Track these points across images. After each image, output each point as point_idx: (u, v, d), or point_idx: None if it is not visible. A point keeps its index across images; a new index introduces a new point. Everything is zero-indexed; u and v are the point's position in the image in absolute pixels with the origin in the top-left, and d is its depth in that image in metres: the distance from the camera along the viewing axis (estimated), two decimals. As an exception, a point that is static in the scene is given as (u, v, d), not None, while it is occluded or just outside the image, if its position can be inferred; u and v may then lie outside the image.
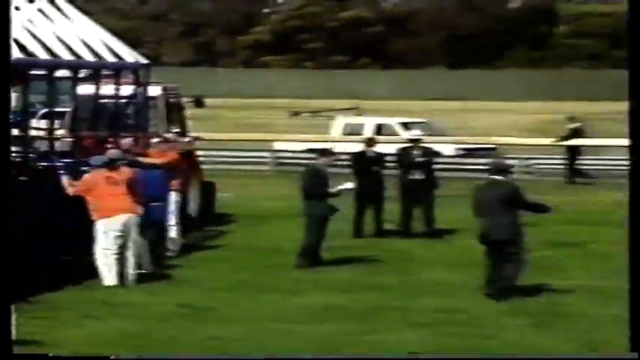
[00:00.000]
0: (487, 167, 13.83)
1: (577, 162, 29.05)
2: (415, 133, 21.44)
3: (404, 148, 19.16)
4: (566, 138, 29.43)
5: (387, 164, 19.03)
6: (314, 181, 15.48)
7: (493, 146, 33.71)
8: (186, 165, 18.72)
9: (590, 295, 13.02)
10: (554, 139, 29.94)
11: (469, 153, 32.90)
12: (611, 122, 43.43)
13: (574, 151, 29.15)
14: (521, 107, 54.36)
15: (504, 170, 13.42)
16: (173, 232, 15.82)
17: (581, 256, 14.87)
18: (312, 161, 16.26)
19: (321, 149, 16.38)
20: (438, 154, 20.40)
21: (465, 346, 10.41)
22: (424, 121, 34.74)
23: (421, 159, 18.69)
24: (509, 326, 11.35)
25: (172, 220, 15.80)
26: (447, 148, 30.24)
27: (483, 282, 13.05)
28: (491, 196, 13.01)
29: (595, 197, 23.69)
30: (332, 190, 15.50)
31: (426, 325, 11.33)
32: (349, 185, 16.32)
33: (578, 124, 29.97)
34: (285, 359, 8.58)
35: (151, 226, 14.42)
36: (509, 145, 33.59)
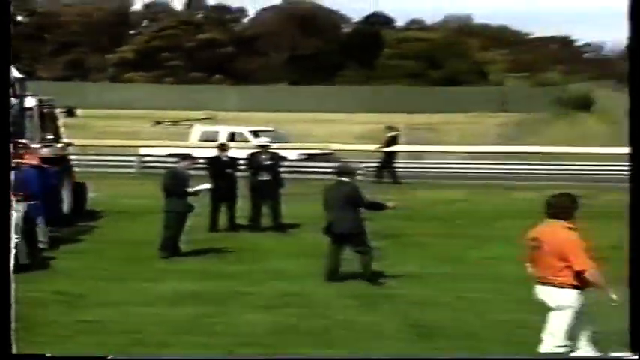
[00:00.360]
0: (334, 170, 13.88)
1: (393, 165, 29.38)
2: (263, 140, 21.57)
3: (253, 153, 19.23)
4: (386, 144, 29.91)
5: (239, 167, 19.04)
6: (174, 182, 15.38)
7: (330, 152, 34.01)
8: (60, 167, 18.46)
9: (409, 279, 13.16)
10: (378, 146, 30.39)
11: (310, 157, 33.13)
12: (425, 131, 44.41)
13: (390, 156, 29.55)
14: (354, 118, 54.99)
15: (350, 173, 13.53)
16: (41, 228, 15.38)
17: (402, 245, 15.02)
18: (173, 164, 16.12)
19: (182, 154, 16.30)
20: (283, 158, 20.48)
21: (303, 324, 10.40)
22: (271, 129, 34.83)
23: (268, 162, 18.82)
24: (341, 307, 11.40)
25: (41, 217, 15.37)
26: (291, 153, 30.35)
27: (325, 269, 13.11)
28: (338, 195, 13.11)
29: (414, 195, 24.01)
30: (190, 190, 15.42)
31: (271, 308, 11.30)
32: (206, 186, 16.27)
33: (394, 133, 30.53)
34: (285, 359, 8.32)
35: (27, 222, 14.11)
36: (343, 150, 33.92)
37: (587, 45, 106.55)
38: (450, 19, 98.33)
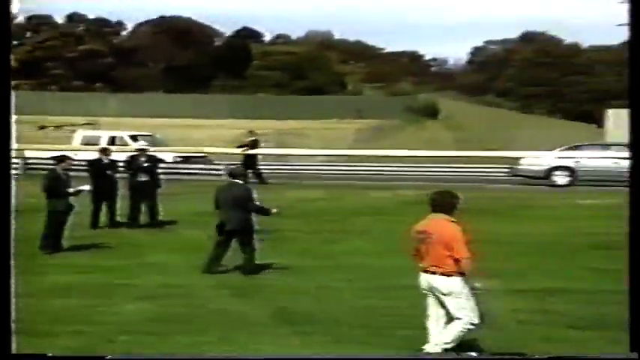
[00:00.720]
0: (228, 172, 13.83)
1: (257, 167, 29.25)
2: (142, 143, 21.32)
3: (132, 156, 19.03)
4: (250, 147, 29.82)
5: (119, 169, 18.79)
6: (54, 183, 15.04)
7: (204, 155, 33.82)
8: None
9: (277, 271, 13.19)
10: (243, 148, 30.24)
11: (185, 160, 32.89)
12: (291, 136, 44.59)
13: (253, 158, 29.43)
14: (225, 124, 54.75)
15: (241, 175, 13.54)
16: None
17: (271, 240, 15.02)
18: (53, 166, 15.70)
19: (58, 156, 15.88)
20: (160, 160, 20.24)
21: (181, 313, 10.32)
22: (149, 134, 34.41)
23: (146, 165, 18.65)
24: (216, 297, 11.35)
25: None
26: (167, 156, 30.04)
27: (207, 262, 13.02)
28: (230, 195, 13.04)
29: (281, 195, 24.07)
30: (70, 190, 15.10)
31: (150, 298, 11.17)
32: (85, 187, 15.98)
33: (254, 137, 30.49)
34: (285, 359, 8.10)
35: None
36: (215, 153, 33.76)
37: (434, 59, 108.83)
38: (312, 34, 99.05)
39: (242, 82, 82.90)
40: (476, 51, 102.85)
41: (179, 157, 33.04)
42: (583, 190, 27.51)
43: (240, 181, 13.34)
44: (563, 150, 31.49)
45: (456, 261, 7.90)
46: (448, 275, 7.95)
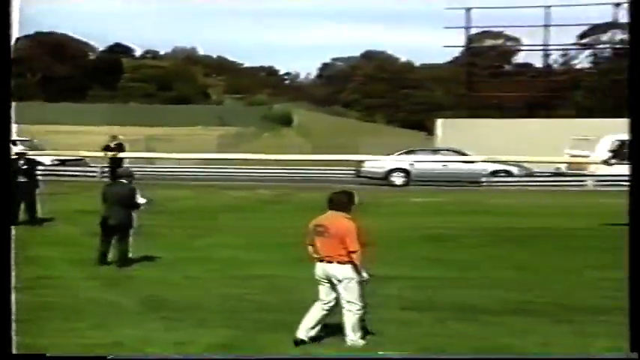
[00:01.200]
0: (116, 173, 13.61)
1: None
2: (20, 148, 20.55)
3: (12, 159, 18.32)
4: (113, 151, 29.08)
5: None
6: None
7: (80, 158, 32.93)
8: None
9: (146, 263, 12.96)
10: (113, 153, 29.50)
11: (62, 163, 32.00)
12: (161, 142, 43.93)
13: (119, 161, 28.74)
14: (99, 130, 53.49)
15: (128, 176, 13.28)
16: None
17: (142, 235, 14.74)
18: None
19: None
20: (39, 163, 19.62)
21: (56, 302, 10.03)
22: (28, 139, 33.24)
23: (25, 167, 18.04)
24: (89, 287, 11.08)
25: None
26: (45, 159, 29.10)
27: (97, 255, 12.68)
28: (115, 193, 12.86)
29: (149, 194, 23.70)
30: None
31: (27, 289, 10.76)
32: None
33: (118, 141, 29.77)
34: (285, 359, 7.72)
35: None
36: (90, 157, 32.92)
37: (287, 74, 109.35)
38: (178, 50, 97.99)
39: (115, 93, 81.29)
40: (324, 67, 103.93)
41: (56, 160, 32.09)
42: (416, 190, 28.20)
43: (126, 181, 13.11)
44: (399, 154, 32.22)
45: (349, 252, 8.06)
46: (343, 263, 8.09)
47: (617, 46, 50.46)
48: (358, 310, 8.18)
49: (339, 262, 8.11)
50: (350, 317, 8.18)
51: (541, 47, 47.26)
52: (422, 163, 31.27)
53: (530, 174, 31.39)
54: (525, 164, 31.26)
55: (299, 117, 72.63)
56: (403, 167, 31.32)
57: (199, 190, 25.99)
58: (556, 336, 8.45)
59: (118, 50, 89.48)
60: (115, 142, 29.62)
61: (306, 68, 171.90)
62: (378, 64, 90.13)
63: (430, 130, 50.27)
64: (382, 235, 14.92)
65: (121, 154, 29.42)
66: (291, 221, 15.50)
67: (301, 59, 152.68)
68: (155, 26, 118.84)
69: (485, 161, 29.58)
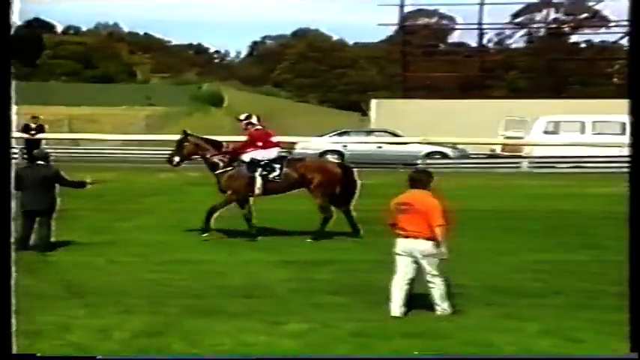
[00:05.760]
0: (31, 155, 13.47)
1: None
2: None
3: None
4: (33, 131, 28.51)
5: None
6: None
7: None
8: None
9: (66, 247, 12.81)
10: (32, 133, 28.94)
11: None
12: (85, 122, 43.35)
13: (37, 143, 28.20)
14: (19, 110, 52.33)
15: (45, 157, 13.08)
16: None
17: (63, 218, 14.55)
18: None
19: None
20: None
21: None
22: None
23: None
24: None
25: None
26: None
27: (17, 241, 12.36)
28: (36, 176, 12.53)
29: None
30: None
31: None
32: None
33: (39, 122, 29.14)
34: (285, 359, 7.55)
35: None
36: (13, 138, 32.18)
37: (217, 52, 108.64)
38: (101, 26, 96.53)
39: (34, 70, 79.67)
40: (254, 45, 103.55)
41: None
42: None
43: (44, 163, 12.86)
44: (332, 135, 32.32)
45: (434, 227, 8.58)
46: (427, 239, 8.62)
47: (552, 25, 51.30)
48: (442, 281, 8.74)
49: (424, 238, 8.62)
50: (437, 289, 8.73)
51: (475, 26, 47.81)
52: (355, 144, 31.45)
53: (466, 156, 31.82)
54: (460, 146, 31.67)
55: (229, 97, 72.30)
56: (336, 149, 31.45)
57: (125, 172, 25.69)
58: (488, 319, 8.60)
59: (37, 25, 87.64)
60: (35, 123, 29.07)
61: (236, 46, 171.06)
62: (309, 43, 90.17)
63: (364, 111, 50.58)
64: (313, 218, 14.99)
65: (42, 135, 28.91)
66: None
67: (231, 37, 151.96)
68: (76, 0, 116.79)
69: (420, 143, 29.88)
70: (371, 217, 16.60)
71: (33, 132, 28.70)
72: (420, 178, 8.92)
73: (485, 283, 10.28)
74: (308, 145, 31.25)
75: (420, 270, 8.78)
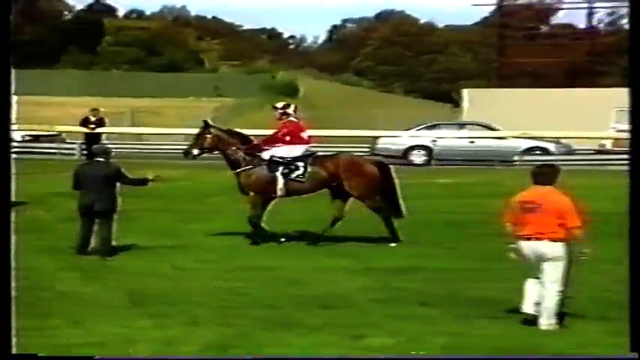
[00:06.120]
0: (91, 151, 13.65)
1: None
2: None
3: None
4: (93, 125, 29.14)
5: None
6: None
7: (56, 133, 33.04)
8: None
9: (130, 252, 13.05)
10: (91, 127, 29.59)
11: (35, 139, 32.10)
12: (148, 115, 44.02)
13: (97, 138, 28.80)
14: (77, 101, 53.61)
15: (106, 153, 13.26)
16: None
17: (124, 220, 14.81)
18: None
19: None
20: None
21: (26, 296, 10.05)
22: (-6, 111, 33.37)
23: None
24: (65, 279, 11.14)
25: None
26: (16, 135, 29.23)
27: (78, 245, 12.70)
28: (96, 174, 12.76)
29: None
30: None
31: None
32: None
33: (99, 115, 29.84)
34: (285, 359, 7.85)
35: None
36: (68, 132, 33.01)
37: (292, 37, 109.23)
38: (167, 10, 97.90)
39: (94, 58, 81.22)
40: (334, 30, 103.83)
41: (28, 135, 32.20)
42: (439, 170, 28.21)
43: (104, 159, 13.09)
44: (420, 129, 32.20)
45: (567, 228, 8.52)
46: (554, 241, 8.55)
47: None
48: (559, 292, 8.64)
49: (550, 240, 8.55)
50: (549, 299, 8.63)
51: (584, 5, 47.00)
52: (445, 139, 31.29)
53: (571, 152, 31.35)
54: (564, 141, 31.23)
55: (305, 86, 72.64)
56: (424, 144, 31.34)
57: (191, 169, 26.04)
58: (597, 335, 8.48)
59: (98, 9, 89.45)
60: (95, 116, 29.71)
61: (314, 31, 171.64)
62: (394, 26, 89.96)
63: (455, 102, 50.24)
64: (402, 220, 15.00)
65: (102, 129, 29.53)
66: (297, 206, 15.56)
67: (308, 21, 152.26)
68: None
69: (518, 137, 29.59)
70: (463, 220, 16.56)
71: (92, 126, 29.35)
72: (545, 173, 8.85)
73: (593, 294, 10.13)
74: (392, 140, 31.23)
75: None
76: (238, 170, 14.30)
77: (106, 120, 30.22)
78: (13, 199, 18.67)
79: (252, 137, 15.04)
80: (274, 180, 14.09)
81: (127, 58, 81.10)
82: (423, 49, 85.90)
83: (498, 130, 30.74)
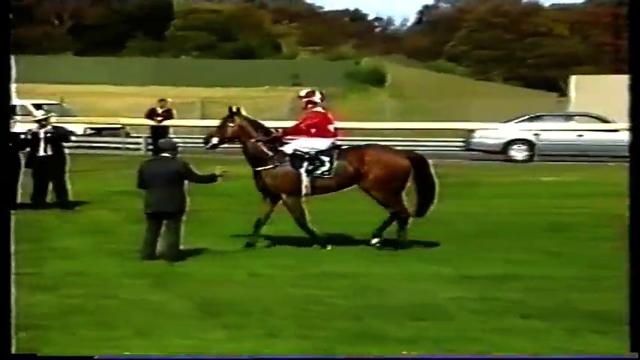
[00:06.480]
0: (157, 146, 13.73)
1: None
2: (45, 113, 20.60)
3: (37, 127, 18.69)
4: (160, 117, 29.60)
5: (21, 143, 18.36)
6: None
7: (120, 126, 33.57)
8: None
9: (200, 256, 13.17)
10: (159, 120, 30.02)
11: (97, 132, 32.64)
12: (221, 105, 44.35)
13: (164, 131, 29.24)
14: (143, 91, 54.36)
15: (173, 148, 13.35)
16: None
17: (191, 221, 14.97)
18: None
19: None
20: (68, 132, 20.02)
21: (88, 305, 10.24)
22: (56, 102, 34.06)
23: (52, 137, 18.36)
24: (129, 286, 11.29)
25: None
26: (77, 128, 29.80)
27: (143, 249, 12.86)
28: (162, 171, 12.89)
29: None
30: None
31: (54, 288, 11.05)
32: None
33: (168, 107, 30.25)
34: (285, 359, 8.09)
35: None
36: (132, 125, 33.50)
37: (378, 19, 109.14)
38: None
39: (162, 44, 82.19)
40: (425, 10, 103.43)
41: (90, 128, 32.77)
42: (543, 166, 27.92)
43: (172, 155, 13.20)
44: (521, 121, 31.90)
45: None
46: None
47: None
48: None
49: None
50: None
51: None
52: (550, 132, 30.95)
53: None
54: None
55: (393, 74, 72.50)
56: (526, 138, 31.06)
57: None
58: None
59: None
60: (162, 107, 30.13)
61: (402, 12, 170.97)
62: (493, 6, 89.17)
63: (562, 90, 49.62)
64: (501, 222, 14.91)
65: (170, 122, 29.92)
66: (375, 205, 15.53)
67: (395, 1, 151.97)
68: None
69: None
70: (568, 223, 16.37)
71: (159, 118, 29.78)
72: None
73: None
74: (489, 133, 31.01)
75: None
76: (261, 168, 14.14)
77: (174, 111, 30.63)
78: (70, 198, 19.05)
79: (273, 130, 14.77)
80: (299, 178, 13.95)
81: (197, 43, 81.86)
82: (525, 32, 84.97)
83: (611, 122, 30.28)
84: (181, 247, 13.02)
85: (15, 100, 33.59)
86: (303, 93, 14.61)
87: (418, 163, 14.13)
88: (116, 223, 16.39)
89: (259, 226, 14.07)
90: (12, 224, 7.23)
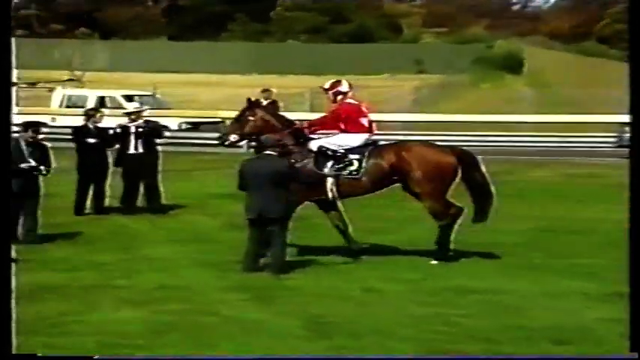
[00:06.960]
0: (259, 143, 13.73)
1: None
2: (137, 105, 20.76)
3: (126, 122, 18.88)
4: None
5: (110, 138, 18.63)
6: (14, 158, 14.53)
7: (220, 120, 33.90)
8: None
9: (310, 268, 13.22)
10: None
11: (194, 127, 33.00)
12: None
13: None
14: (246, 80, 54.82)
15: (275, 145, 13.32)
16: None
17: (304, 229, 15.05)
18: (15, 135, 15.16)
19: (25, 122, 15.54)
20: (163, 127, 20.24)
21: (184, 322, 10.37)
22: (149, 94, 34.59)
23: (144, 133, 18.50)
24: (231, 301, 11.39)
25: None
26: (171, 122, 30.20)
27: (246, 259, 12.95)
28: (266, 171, 12.94)
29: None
30: (23, 166, 14.56)
31: (146, 303, 11.23)
32: (31, 164, 14.80)
33: (272, 99, 30.33)
34: (285, 359, 8.35)
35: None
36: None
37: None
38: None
39: (265, 27, 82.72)
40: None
41: (186, 123, 33.17)
42: None
43: (276, 153, 13.24)
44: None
45: None
46: None
47: None
48: None
49: None
50: None
51: None
52: None
53: None
54: None
55: (531, 59, 71.78)
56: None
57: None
58: None
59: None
60: (267, 98, 30.31)
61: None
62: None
63: None
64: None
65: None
66: (515, 210, 15.42)
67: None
68: None
69: None
70: None
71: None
72: None
73: None
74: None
75: None
76: None
77: (280, 103, 30.75)
78: (163, 201, 19.29)
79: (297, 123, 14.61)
80: (322, 179, 13.85)
81: (307, 26, 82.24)
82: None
83: None
84: (288, 257, 13.10)
85: (103, 91, 34.32)
86: (327, 85, 14.61)
87: (466, 160, 14.06)
88: (215, 229, 16.54)
89: (345, 233, 14.10)
90: (12, 224, 7.43)
